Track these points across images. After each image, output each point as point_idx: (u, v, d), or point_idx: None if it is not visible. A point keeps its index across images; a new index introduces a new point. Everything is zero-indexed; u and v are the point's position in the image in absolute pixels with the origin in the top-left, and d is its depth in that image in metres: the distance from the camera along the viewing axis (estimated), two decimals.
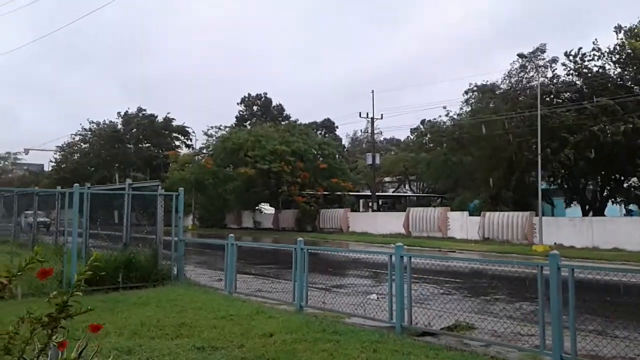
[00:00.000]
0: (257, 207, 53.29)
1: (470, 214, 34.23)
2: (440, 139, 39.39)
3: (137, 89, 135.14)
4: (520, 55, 33.02)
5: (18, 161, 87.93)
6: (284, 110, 75.54)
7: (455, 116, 38.86)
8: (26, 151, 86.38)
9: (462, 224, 33.80)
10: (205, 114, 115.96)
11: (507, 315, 9.48)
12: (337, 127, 77.38)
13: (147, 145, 69.93)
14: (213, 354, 6.32)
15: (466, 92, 38.05)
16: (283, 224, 48.44)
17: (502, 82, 35.73)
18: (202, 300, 9.88)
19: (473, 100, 37.75)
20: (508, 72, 34.96)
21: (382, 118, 48.41)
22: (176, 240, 13.07)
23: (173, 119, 70.73)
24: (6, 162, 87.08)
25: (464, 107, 38.41)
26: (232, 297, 10.78)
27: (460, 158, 38.53)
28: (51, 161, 75.24)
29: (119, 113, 71.02)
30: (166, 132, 71.16)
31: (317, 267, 15.08)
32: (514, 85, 34.73)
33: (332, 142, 54.45)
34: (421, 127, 48.11)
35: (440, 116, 44.45)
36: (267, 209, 53.91)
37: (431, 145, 42.30)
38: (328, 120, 77.96)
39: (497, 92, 35.85)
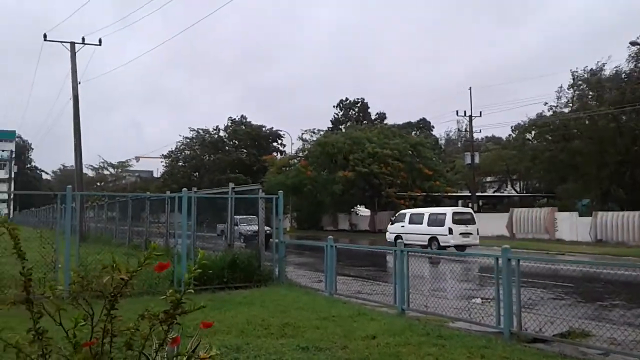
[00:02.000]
0: (352, 209, 53.44)
1: (580, 215, 32.19)
2: (545, 135, 37.41)
3: (247, 96, 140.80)
4: (633, 43, 30.64)
5: (130, 168, 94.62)
6: (380, 112, 75.33)
7: (560, 110, 36.79)
8: (137, 159, 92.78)
9: (571, 225, 31.83)
10: (302, 119, 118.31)
11: (626, 322, 8.76)
12: (433, 126, 75.93)
13: (246, 150, 72.50)
14: (317, 355, 6.36)
15: (572, 86, 35.89)
16: (379, 226, 48.14)
17: (612, 72, 33.36)
18: (303, 301, 10.03)
19: (578, 93, 35.53)
20: (626, 60, 32.55)
21: (480, 115, 46.70)
22: (277, 242, 13.37)
23: (263, 126, 73.04)
24: (119, 170, 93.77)
25: (569, 101, 36.28)
26: (332, 298, 10.85)
27: (567, 154, 36.40)
28: (163, 167, 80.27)
29: (229, 119, 74.48)
30: (263, 137, 73.45)
31: (417, 269, 14.80)
32: (628, 75, 32.27)
33: (426, 142, 53.48)
34: (524, 122, 45.89)
35: (542, 112, 42.21)
36: (363, 210, 53.91)
37: (536, 141, 40.26)
38: (423, 120, 76.63)
39: (608, 84, 33.49)
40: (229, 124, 73.94)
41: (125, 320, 3.54)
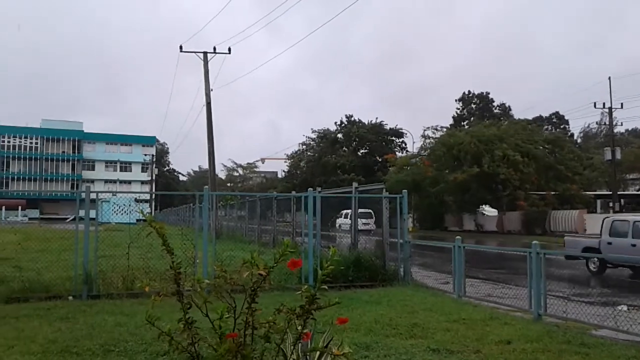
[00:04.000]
0: (478, 209, 51.50)
1: None
2: None
3: (381, 95, 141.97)
4: None
5: (256, 169, 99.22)
6: (505, 106, 71.83)
7: None
8: (262, 160, 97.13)
9: None
10: (431, 116, 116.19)
11: None
12: (567, 120, 70.97)
13: (365, 150, 72.81)
14: (449, 358, 6.19)
15: None
16: (508, 227, 45.99)
17: None
18: (431, 302, 9.81)
19: None
20: None
21: (622, 107, 42.85)
22: (401, 242, 13.23)
23: (384, 123, 72.74)
24: (247, 171, 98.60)
25: None
26: (461, 300, 10.51)
27: None
28: (284, 170, 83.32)
29: (344, 119, 75.51)
30: (383, 135, 73.33)
31: (552, 273, 13.91)
32: None
33: (561, 137, 50.06)
34: None
35: None
36: (490, 210, 51.75)
37: None
38: (556, 114, 71.93)
39: None
40: (345, 123, 74.78)
41: (262, 314, 3.69)
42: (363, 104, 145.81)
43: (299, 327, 3.79)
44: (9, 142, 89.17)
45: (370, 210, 18.18)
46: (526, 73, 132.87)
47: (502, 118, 65.60)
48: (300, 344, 3.96)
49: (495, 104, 72.72)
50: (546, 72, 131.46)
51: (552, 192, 43.38)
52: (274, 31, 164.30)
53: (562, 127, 69.83)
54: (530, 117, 65.08)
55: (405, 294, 10.76)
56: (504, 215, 47.28)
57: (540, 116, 69.69)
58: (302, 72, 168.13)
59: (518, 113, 70.52)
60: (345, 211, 18.72)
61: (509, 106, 72.05)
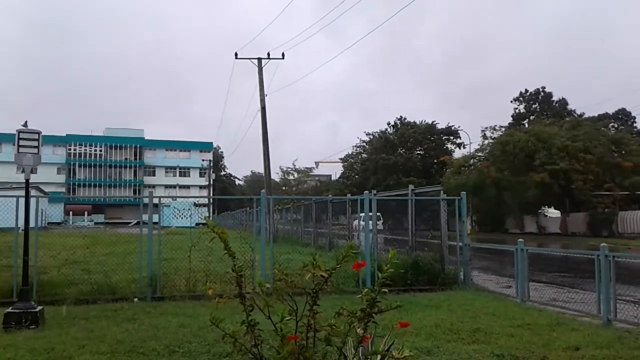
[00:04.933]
0: (540, 211, 49.80)
1: None
2: None
3: (443, 96, 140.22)
4: None
5: (311, 173, 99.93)
6: (567, 104, 69.22)
7: None
8: (316, 164, 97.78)
9: None
10: (475, 113, 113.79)
11: None
12: (634, 117, 67.61)
13: (419, 151, 71.92)
14: None
15: None
16: (572, 229, 44.24)
17: None
18: (493, 307, 9.55)
19: None
20: None
21: None
22: (461, 245, 12.97)
23: (435, 123, 71.70)
24: (302, 175, 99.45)
25: None
26: (525, 305, 10.18)
27: None
28: (341, 170, 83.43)
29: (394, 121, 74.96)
30: (437, 136, 72.30)
31: (620, 276, 13.27)
32: None
33: (626, 137, 47.75)
34: None
35: None
36: (553, 212, 49.97)
37: None
38: (622, 110, 68.67)
39: None
40: (399, 124, 74.19)
41: (322, 317, 3.68)
42: (421, 104, 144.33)
43: (359, 331, 3.77)
44: (75, 150, 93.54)
45: (379, 213, 19.18)
46: (592, 69, 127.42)
47: (563, 115, 63.29)
48: (360, 347, 3.94)
49: (554, 99, 70.16)
50: (614, 68, 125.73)
51: (624, 192, 41.37)
52: (332, 33, 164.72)
53: (629, 123, 66.57)
54: (595, 114, 62.57)
55: (466, 298, 10.52)
56: (568, 217, 45.55)
57: (607, 113, 66.64)
58: (361, 73, 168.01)
59: (582, 110, 67.69)
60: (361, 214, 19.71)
61: (571, 107, 69.37)
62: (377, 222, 19.88)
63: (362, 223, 14.97)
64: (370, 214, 13.21)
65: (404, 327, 3.91)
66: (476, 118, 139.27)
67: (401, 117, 75.24)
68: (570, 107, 68.58)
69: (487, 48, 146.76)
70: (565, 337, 7.21)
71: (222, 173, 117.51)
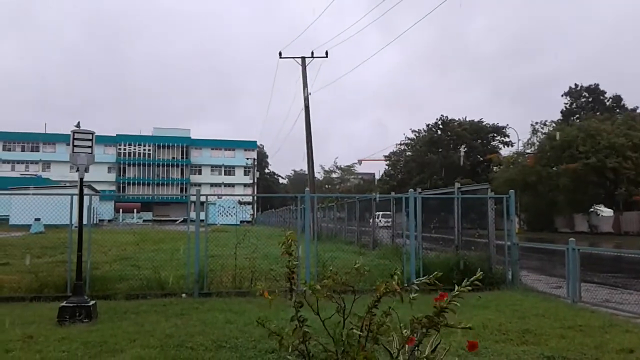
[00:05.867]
0: (591, 209, 48.21)
1: None
2: None
3: (496, 92, 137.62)
4: None
5: (354, 170, 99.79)
6: (620, 100, 66.60)
7: None
8: (359, 162, 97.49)
9: None
10: (524, 109, 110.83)
11: None
12: None
13: (465, 149, 70.72)
14: None
15: None
16: (625, 228, 42.65)
17: None
18: (543, 307, 9.31)
19: None
20: None
21: None
22: (509, 244, 12.69)
23: (481, 121, 70.24)
24: (345, 173, 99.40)
25: None
26: (576, 306, 9.87)
27: None
28: (385, 168, 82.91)
29: (442, 118, 73.92)
30: (484, 134, 70.92)
31: None
32: None
33: None
34: None
35: None
36: (605, 210, 48.28)
37: None
38: None
39: None
40: (441, 123, 73.13)
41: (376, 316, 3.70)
42: (470, 100, 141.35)
43: (422, 335, 3.78)
44: (125, 149, 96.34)
45: (389, 212, 21.22)
46: None
47: (615, 111, 61.01)
48: (405, 347, 3.92)
49: (607, 95, 67.64)
50: None
51: None
52: (380, 28, 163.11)
53: None
54: None
55: (514, 299, 10.29)
56: (621, 216, 43.92)
57: None
58: (409, 70, 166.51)
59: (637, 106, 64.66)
60: (380, 212, 22.95)
61: (620, 96, 66.65)
62: (388, 220, 20.59)
63: (404, 221, 14.91)
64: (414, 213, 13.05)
65: (472, 350, 3.87)
66: (527, 114, 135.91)
67: (442, 116, 74.18)
68: (624, 103, 65.93)
69: (543, 42, 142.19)
70: (619, 339, 6.97)
71: (266, 171, 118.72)
